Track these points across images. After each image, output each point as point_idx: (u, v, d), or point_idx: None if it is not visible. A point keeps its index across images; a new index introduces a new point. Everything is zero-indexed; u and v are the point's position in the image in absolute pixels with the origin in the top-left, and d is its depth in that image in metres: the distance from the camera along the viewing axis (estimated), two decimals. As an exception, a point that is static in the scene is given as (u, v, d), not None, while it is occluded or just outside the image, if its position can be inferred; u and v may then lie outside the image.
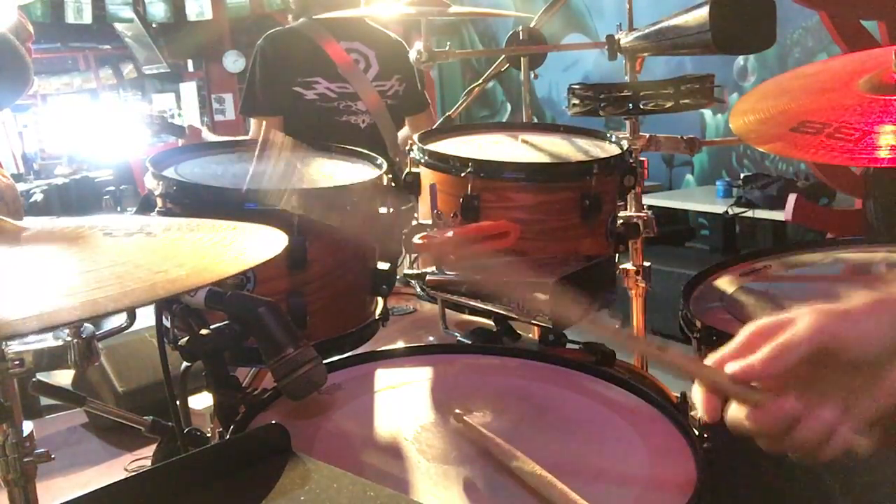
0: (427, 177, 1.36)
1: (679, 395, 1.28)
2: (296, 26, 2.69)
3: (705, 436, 0.92)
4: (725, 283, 1.37)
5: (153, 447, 1.34)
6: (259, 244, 0.83)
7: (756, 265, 1.44)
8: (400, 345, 1.29)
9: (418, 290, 1.38)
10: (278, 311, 0.94)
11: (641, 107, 1.54)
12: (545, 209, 1.31)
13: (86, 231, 0.83)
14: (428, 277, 1.29)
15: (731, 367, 0.65)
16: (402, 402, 1.05)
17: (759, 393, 0.65)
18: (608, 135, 1.52)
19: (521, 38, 1.90)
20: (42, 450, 0.98)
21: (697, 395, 0.69)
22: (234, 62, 7.85)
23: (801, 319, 0.63)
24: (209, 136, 2.85)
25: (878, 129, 1.04)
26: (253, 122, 2.66)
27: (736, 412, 0.66)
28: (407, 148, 1.42)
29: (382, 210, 1.30)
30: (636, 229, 1.55)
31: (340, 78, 2.59)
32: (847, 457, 0.62)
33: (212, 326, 0.97)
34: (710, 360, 0.68)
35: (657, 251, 4.54)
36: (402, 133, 2.77)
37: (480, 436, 0.90)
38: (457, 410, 0.95)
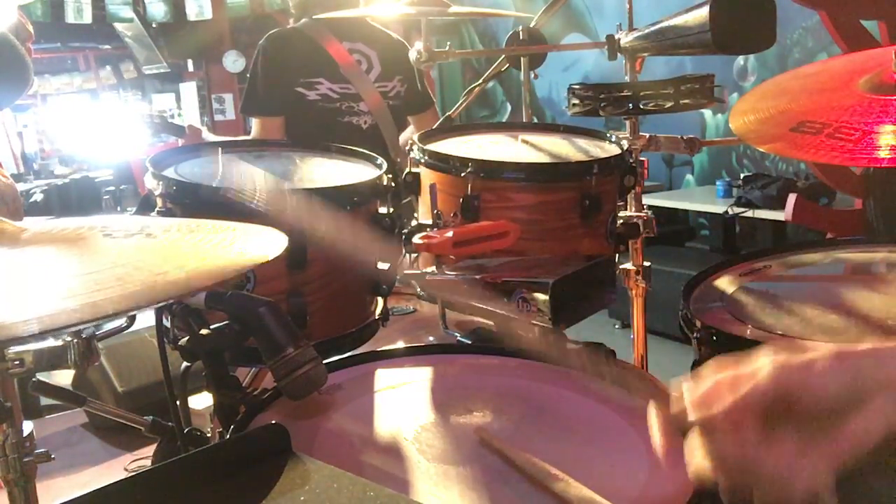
0: (427, 177, 1.36)
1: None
2: (298, 26, 2.69)
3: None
4: (725, 283, 1.37)
5: (153, 447, 1.34)
6: (259, 245, 0.83)
7: (756, 265, 1.44)
8: (400, 345, 1.29)
9: (418, 290, 1.38)
10: (278, 311, 0.94)
11: (641, 107, 1.54)
12: (545, 209, 1.31)
13: (86, 232, 0.83)
14: (428, 277, 1.29)
15: (693, 417, 0.67)
16: (402, 402, 1.05)
17: (717, 429, 0.66)
18: (608, 135, 1.52)
19: (521, 38, 1.90)
20: (42, 450, 0.98)
21: (653, 422, 0.73)
22: (234, 62, 7.85)
23: (760, 365, 0.65)
24: (209, 137, 2.86)
25: (878, 129, 1.04)
26: (254, 121, 2.67)
27: (698, 461, 0.67)
28: (407, 148, 1.42)
29: (382, 210, 1.30)
30: (636, 229, 1.55)
31: (343, 78, 2.59)
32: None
33: (212, 326, 0.97)
34: (675, 402, 0.69)
35: (657, 251, 4.54)
36: (407, 133, 2.77)
37: (517, 457, 0.88)
38: (483, 433, 0.93)
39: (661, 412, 0.70)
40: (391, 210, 1.30)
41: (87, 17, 6.66)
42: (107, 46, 8.34)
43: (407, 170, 1.40)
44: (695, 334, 1.26)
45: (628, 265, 1.78)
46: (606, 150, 1.44)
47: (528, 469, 0.85)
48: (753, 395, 0.64)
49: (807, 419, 0.63)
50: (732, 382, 0.66)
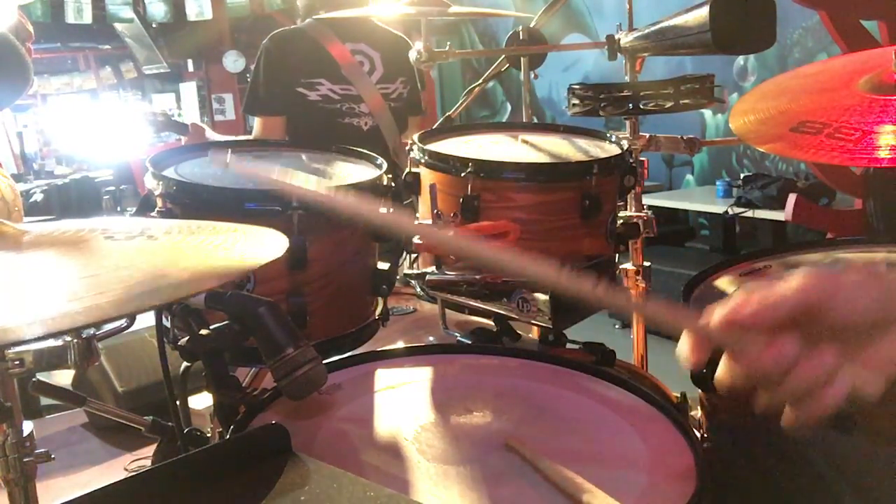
0: (427, 177, 1.36)
1: (679, 395, 1.28)
2: (301, 27, 2.69)
3: (705, 436, 0.92)
4: (725, 283, 1.37)
5: (153, 447, 1.35)
6: (260, 246, 0.83)
7: (756, 265, 1.44)
8: (400, 345, 1.29)
9: (418, 290, 1.38)
10: (278, 311, 0.94)
11: (641, 107, 1.54)
12: (545, 209, 1.31)
13: (87, 235, 0.83)
14: (428, 277, 1.29)
15: (719, 315, 0.65)
16: (402, 402, 1.05)
17: (751, 339, 0.64)
18: (608, 135, 1.52)
19: (521, 38, 1.90)
20: (42, 450, 0.98)
21: (683, 345, 0.68)
22: (234, 62, 7.86)
23: (791, 278, 0.65)
24: (212, 135, 2.86)
25: (878, 129, 1.04)
26: (256, 121, 2.67)
27: (726, 365, 0.66)
28: (407, 148, 1.42)
29: (382, 210, 1.30)
30: (636, 229, 1.55)
31: (344, 80, 2.59)
32: (853, 406, 0.62)
33: (212, 326, 0.97)
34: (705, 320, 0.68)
35: (657, 251, 4.55)
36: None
37: (545, 466, 0.86)
38: (510, 441, 0.91)
39: (691, 332, 0.68)
40: (391, 210, 1.30)
41: (87, 17, 6.66)
42: (107, 46, 8.34)
43: (407, 170, 1.40)
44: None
45: (628, 265, 1.78)
46: (606, 150, 1.44)
47: (556, 478, 0.84)
48: (784, 306, 0.63)
49: (842, 331, 0.63)
50: (763, 296, 0.64)
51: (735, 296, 0.66)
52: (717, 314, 0.65)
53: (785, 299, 0.63)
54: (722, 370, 0.66)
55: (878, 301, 0.62)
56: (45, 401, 2.28)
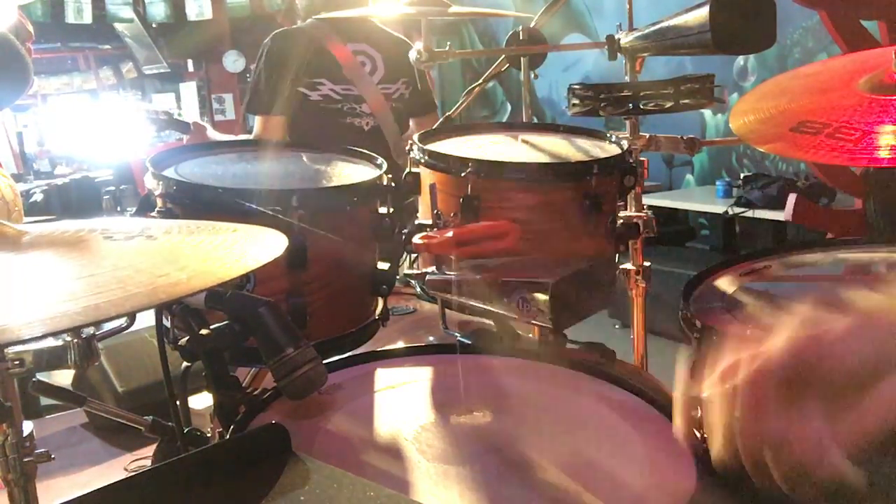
0: (427, 177, 1.36)
1: (679, 395, 1.28)
2: (303, 26, 2.69)
3: (705, 436, 0.92)
4: (725, 283, 1.37)
5: (153, 447, 1.35)
6: (259, 246, 0.83)
7: (756, 265, 1.44)
8: (400, 345, 1.29)
9: (418, 290, 1.38)
10: (278, 311, 0.94)
11: (641, 107, 1.54)
12: (545, 209, 1.31)
13: (86, 235, 0.83)
14: (428, 277, 1.29)
15: (708, 391, 0.66)
16: (402, 402, 1.05)
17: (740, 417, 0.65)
18: (608, 135, 1.51)
19: (521, 38, 1.90)
20: (42, 450, 0.98)
21: (678, 419, 0.70)
22: (234, 62, 7.85)
23: (777, 335, 0.64)
24: (214, 134, 2.86)
25: (878, 129, 1.04)
26: (257, 120, 2.67)
27: (719, 447, 0.66)
28: (407, 148, 1.42)
29: (382, 210, 1.30)
30: (636, 229, 1.55)
31: (345, 80, 2.59)
32: (840, 485, 0.61)
33: (212, 326, 0.97)
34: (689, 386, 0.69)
35: (657, 251, 4.55)
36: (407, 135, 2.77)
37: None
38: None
39: (682, 397, 0.68)
40: (391, 210, 1.30)
41: (87, 17, 6.66)
42: (107, 46, 8.33)
43: (407, 170, 1.40)
44: (695, 334, 1.26)
45: (628, 265, 1.78)
46: (606, 150, 1.44)
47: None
48: (769, 367, 0.63)
49: (828, 391, 0.61)
50: (749, 359, 0.64)
51: (720, 366, 0.66)
52: (706, 381, 0.66)
53: (770, 363, 0.63)
54: (715, 453, 0.66)
55: (870, 357, 0.61)
56: (45, 401, 2.28)
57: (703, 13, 1.44)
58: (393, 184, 1.32)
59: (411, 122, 2.78)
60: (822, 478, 0.61)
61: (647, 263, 1.78)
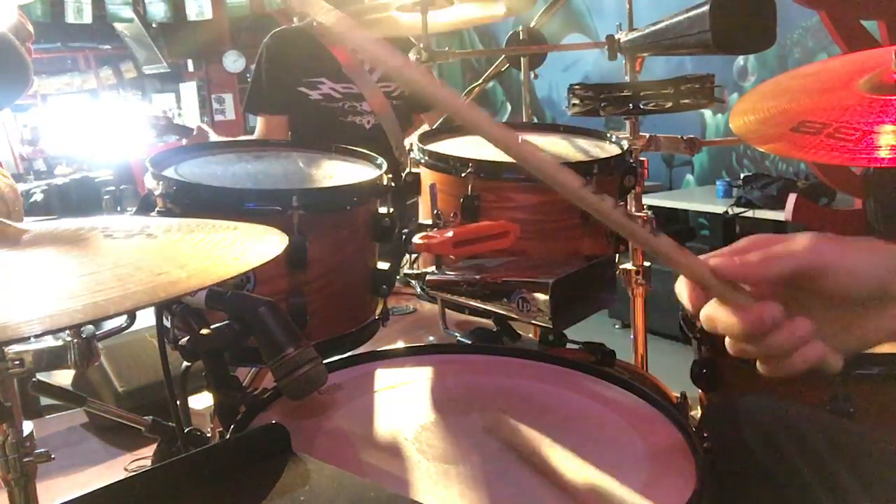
0: (427, 177, 1.36)
1: (679, 395, 1.28)
2: (302, 25, 2.69)
3: (705, 435, 0.92)
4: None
5: (153, 447, 1.34)
6: (259, 245, 0.83)
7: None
8: (400, 345, 1.29)
9: (418, 290, 1.38)
10: (278, 311, 0.94)
11: (641, 107, 1.54)
12: (545, 209, 1.31)
13: (86, 233, 0.83)
14: (428, 277, 1.29)
15: (718, 263, 0.65)
16: (402, 402, 1.05)
17: (742, 294, 0.65)
18: (608, 135, 1.52)
19: (521, 38, 1.90)
20: (42, 450, 0.98)
21: (681, 285, 0.69)
22: (234, 62, 7.85)
23: (799, 238, 0.65)
24: (216, 139, 2.86)
25: (878, 129, 1.04)
26: (258, 120, 2.68)
27: (713, 308, 0.66)
28: (408, 148, 1.43)
29: (382, 210, 1.30)
30: (636, 229, 1.55)
31: (345, 78, 2.59)
32: (817, 373, 0.63)
33: (212, 326, 0.97)
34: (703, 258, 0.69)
35: (657, 251, 4.53)
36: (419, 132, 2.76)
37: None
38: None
39: (690, 277, 0.68)
40: (391, 210, 1.30)
41: (87, 17, 6.65)
42: (107, 46, 8.33)
43: (407, 170, 1.40)
44: (695, 334, 1.26)
45: (628, 265, 1.78)
46: (606, 150, 1.44)
47: None
48: (786, 264, 0.63)
49: (829, 302, 0.63)
50: (764, 242, 0.65)
51: (742, 242, 0.66)
52: (716, 261, 0.65)
53: (787, 258, 0.64)
54: (707, 311, 0.66)
55: (879, 275, 0.62)
56: (45, 401, 2.28)
57: (703, 13, 1.44)
58: (394, 183, 1.32)
59: (421, 117, 2.78)
60: (801, 364, 0.62)
61: (647, 263, 1.78)
